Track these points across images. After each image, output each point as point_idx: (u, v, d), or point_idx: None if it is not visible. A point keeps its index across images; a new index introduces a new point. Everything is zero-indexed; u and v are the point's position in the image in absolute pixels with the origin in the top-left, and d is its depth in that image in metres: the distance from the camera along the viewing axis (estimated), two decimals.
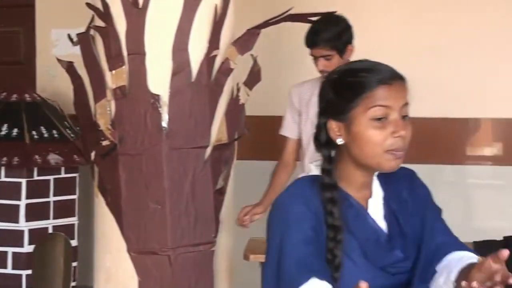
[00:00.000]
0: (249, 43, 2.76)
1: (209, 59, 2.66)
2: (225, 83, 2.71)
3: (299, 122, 3.45)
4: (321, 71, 3.29)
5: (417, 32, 4.48)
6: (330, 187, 1.54)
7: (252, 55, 2.77)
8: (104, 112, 2.58)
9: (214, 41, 2.67)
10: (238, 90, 2.75)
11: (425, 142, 4.42)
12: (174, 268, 2.56)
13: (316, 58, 3.30)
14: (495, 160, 4.54)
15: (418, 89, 4.57)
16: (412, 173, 1.72)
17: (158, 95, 2.57)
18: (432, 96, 4.28)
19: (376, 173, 1.63)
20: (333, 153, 1.60)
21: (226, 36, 2.73)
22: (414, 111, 4.46)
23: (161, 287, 2.56)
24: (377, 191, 1.63)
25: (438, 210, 1.73)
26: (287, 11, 2.78)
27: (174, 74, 2.60)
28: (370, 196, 1.61)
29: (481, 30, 4.45)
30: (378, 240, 1.56)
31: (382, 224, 1.60)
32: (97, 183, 2.64)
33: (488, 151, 4.55)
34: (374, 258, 1.54)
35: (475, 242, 3.58)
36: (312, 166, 1.64)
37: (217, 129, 2.71)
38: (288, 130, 3.54)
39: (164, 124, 2.59)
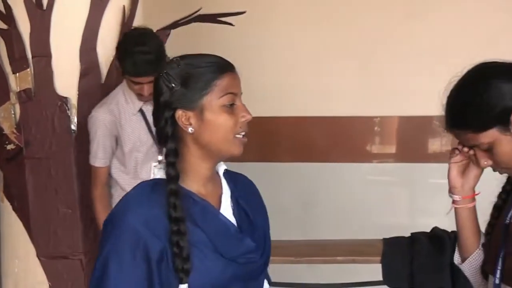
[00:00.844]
0: None
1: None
2: None
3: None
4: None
5: (328, 31, 4.56)
6: (175, 180, 1.56)
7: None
8: (8, 116, 2.53)
9: None
10: None
11: (333, 140, 4.52)
12: (87, 272, 2.53)
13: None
14: (400, 158, 4.65)
15: (332, 88, 4.62)
16: (253, 184, 1.82)
17: (66, 98, 2.54)
18: (339, 95, 4.38)
19: (223, 171, 1.71)
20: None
21: None
22: (328, 111, 4.54)
23: None
24: (226, 188, 1.69)
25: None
26: (196, 11, 2.80)
27: (83, 75, 2.57)
28: (220, 192, 1.67)
29: (390, 29, 4.57)
30: (228, 232, 1.62)
31: (232, 219, 1.65)
32: (3, 188, 2.59)
33: (391, 148, 4.65)
34: (225, 249, 1.58)
35: (384, 239, 3.65)
36: (155, 169, 1.66)
37: None
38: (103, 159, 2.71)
39: (73, 127, 2.56)
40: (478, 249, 1.79)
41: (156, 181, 1.61)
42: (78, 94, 2.56)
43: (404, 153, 4.50)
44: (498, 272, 1.68)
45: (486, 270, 1.77)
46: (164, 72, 1.60)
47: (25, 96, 2.51)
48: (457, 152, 1.75)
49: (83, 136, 2.58)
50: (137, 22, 2.70)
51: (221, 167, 1.71)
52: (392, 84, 4.25)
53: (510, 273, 1.66)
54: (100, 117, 2.59)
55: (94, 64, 2.58)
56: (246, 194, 1.73)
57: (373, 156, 4.67)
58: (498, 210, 1.75)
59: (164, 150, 1.60)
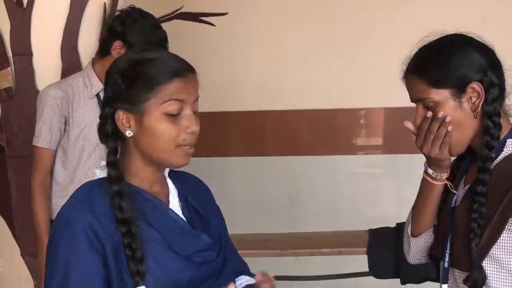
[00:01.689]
0: None
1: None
2: None
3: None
4: None
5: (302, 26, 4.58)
6: (117, 180, 1.45)
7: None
8: None
9: None
10: None
11: (319, 133, 4.54)
12: None
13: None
14: (386, 149, 4.67)
15: (312, 81, 4.61)
16: (202, 182, 1.71)
17: None
18: (325, 88, 4.39)
19: (167, 172, 1.59)
20: (119, 145, 1.51)
21: None
22: (314, 104, 4.54)
23: None
24: (172, 187, 1.58)
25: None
26: (178, 10, 2.81)
27: (64, 73, 2.58)
28: (167, 191, 1.56)
29: (375, 21, 4.58)
30: (183, 229, 1.51)
31: (183, 217, 1.54)
32: None
33: (377, 140, 4.68)
34: (180, 247, 1.47)
35: (370, 230, 3.67)
36: (96, 170, 1.53)
37: None
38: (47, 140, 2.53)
39: None
40: (431, 229, 1.79)
41: (101, 180, 1.50)
42: None
43: (391, 145, 4.52)
44: (447, 256, 1.69)
45: (435, 254, 1.77)
46: (111, 67, 1.48)
47: (6, 95, 2.52)
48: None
49: None
50: None
51: (166, 169, 1.59)
52: (377, 75, 4.26)
53: (458, 256, 1.67)
54: (51, 93, 2.39)
55: (75, 62, 2.58)
56: (195, 193, 1.62)
57: (359, 148, 4.70)
58: (445, 193, 1.75)
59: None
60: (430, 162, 1.69)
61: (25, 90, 2.53)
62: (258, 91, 4.40)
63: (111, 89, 1.48)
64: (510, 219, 1.58)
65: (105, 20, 2.64)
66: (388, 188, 4.69)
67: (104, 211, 1.45)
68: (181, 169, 1.58)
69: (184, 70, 1.48)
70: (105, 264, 1.42)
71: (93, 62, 2.43)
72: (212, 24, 3.02)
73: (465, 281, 1.62)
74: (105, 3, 2.65)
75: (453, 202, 1.72)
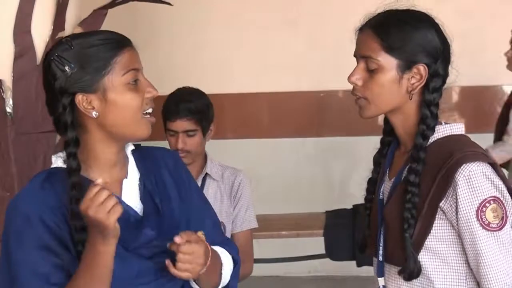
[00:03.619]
0: (96, 24, 2.73)
1: (54, 41, 2.60)
2: None
3: None
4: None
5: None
6: (77, 171, 1.45)
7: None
8: None
9: (58, 22, 2.62)
10: None
11: (276, 115, 4.55)
12: None
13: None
14: (344, 132, 4.70)
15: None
16: (176, 156, 1.71)
17: (0, 80, 2.50)
18: (283, 70, 4.41)
19: (130, 150, 1.59)
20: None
21: (72, 17, 2.69)
22: (271, 86, 4.55)
23: None
24: (133, 171, 1.57)
25: (205, 201, 1.71)
26: None
27: (17, 57, 2.54)
28: (124, 176, 1.55)
29: (335, 2, 4.59)
30: (128, 221, 1.49)
31: (137, 205, 1.54)
32: None
33: (337, 122, 4.69)
34: (125, 240, 1.45)
35: (326, 212, 3.71)
36: (53, 158, 1.55)
37: None
38: None
39: (9, 109, 2.53)
40: None
41: (52, 171, 1.50)
42: (13, 76, 2.52)
43: (349, 127, 4.56)
44: (381, 249, 1.68)
45: (369, 250, 1.76)
46: (55, 55, 1.46)
47: None
48: None
49: (21, 119, 2.55)
50: (72, 2, 2.67)
51: (129, 147, 1.59)
52: (336, 58, 4.28)
53: (392, 252, 1.66)
54: None
55: (28, 46, 2.54)
56: (158, 171, 1.59)
57: (318, 131, 4.73)
58: (373, 184, 1.76)
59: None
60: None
61: None
62: (215, 73, 4.39)
63: (62, 79, 1.46)
64: (439, 208, 1.59)
65: (59, 2, 2.61)
66: (345, 169, 4.74)
67: (49, 201, 1.45)
68: None
69: (126, 40, 1.51)
70: (53, 251, 1.43)
71: None
72: (169, 4, 2.99)
73: (400, 273, 1.62)
74: None
75: (380, 194, 1.72)
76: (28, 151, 2.57)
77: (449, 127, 1.67)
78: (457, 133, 1.67)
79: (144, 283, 1.48)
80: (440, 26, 1.67)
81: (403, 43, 1.61)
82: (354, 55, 1.69)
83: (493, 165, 1.62)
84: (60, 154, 1.53)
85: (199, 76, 4.49)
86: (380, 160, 1.78)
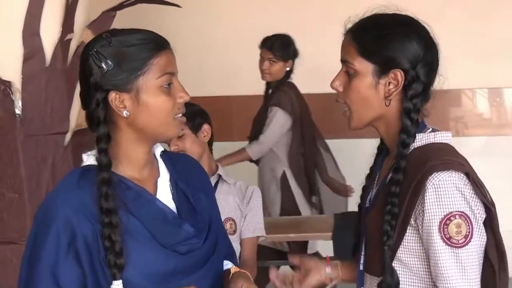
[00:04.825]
0: (104, 26, 2.73)
1: (63, 43, 2.62)
2: None
3: None
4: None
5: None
6: (108, 167, 1.46)
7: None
8: None
9: (67, 24, 2.63)
10: None
11: None
12: None
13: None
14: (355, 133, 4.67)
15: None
16: (196, 162, 1.74)
17: (9, 82, 2.51)
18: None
19: (160, 152, 1.60)
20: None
21: (81, 19, 2.70)
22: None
23: None
24: (164, 172, 1.59)
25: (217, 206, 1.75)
26: None
27: (26, 59, 2.54)
28: (157, 176, 1.57)
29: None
30: (166, 218, 1.51)
31: (171, 204, 1.55)
32: None
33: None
34: (163, 237, 1.48)
35: (335, 214, 3.70)
36: (84, 156, 1.55)
37: (77, 114, 2.68)
38: None
39: (18, 111, 2.54)
40: None
41: (86, 168, 1.51)
42: (22, 78, 2.53)
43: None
44: (362, 258, 1.65)
45: (354, 258, 1.73)
46: (93, 50, 1.46)
47: None
48: None
49: (30, 120, 2.55)
50: (81, 5, 2.68)
51: (158, 149, 1.60)
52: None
53: (371, 262, 1.62)
54: None
55: (37, 48, 2.55)
56: (186, 175, 1.61)
57: (326, 132, 4.72)
58: (365, 190, 1.74)
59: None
60: None
61: None
62: (223, 75, 4.39)
63: (97, 74, 1.46)
64: (411, 219, 1.53)
65: (68, 4, 2.61)
66: (353, 172, 4.72)
67: (84, 200, 1.45)
68: None
69: (166, 42, 1.52)
70: (79, 261, 1.43)
71: None
72: (178, 6, 3.00)
73: (379, 286, 1.58)
74: None
75: (367, 202, 1.68)
76: (37, 153, 2.58)
77: (433, 135, 1.62)
78: (440, 141, 1.62)
79: (178, 279, 1.48)
80: (425, 31, 1.62)
81: (379, 47, 1.59)
82: (340, 60, 1.67)
83: (470, 175, 1.55)
84: (90, 152, 1.54)
85: (206, 78, 4.50)
86: (372, 168, 1.76)
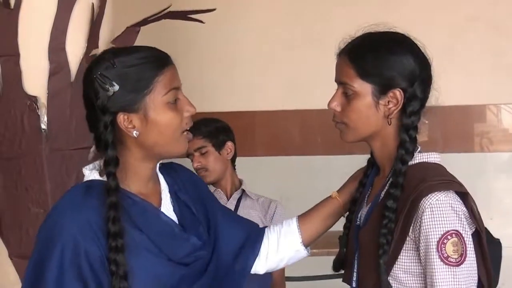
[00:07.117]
0: (129, 41, 2.75)
1: (88, 58, 2.63)
2: None
3: None
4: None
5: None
6: (116, 191, 1.44)
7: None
8: None
9: (92, 39, 2.65)
10: None
11: (309, 133, 4.53)
12: None
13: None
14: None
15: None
16: (183, 167, 1.72)
17: (35, 97, 2.53)
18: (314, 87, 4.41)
19: (157, 166, 1.59)
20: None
21: (105, 34, 2.72)
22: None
23: None
24: (164, 183, 1.59)
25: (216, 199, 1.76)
26: (166, 9, 2.80)
27: (52, 74, 2.57)
28: (159, 189, 1.57)
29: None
30: (173, 232, 1.51)
31: (173, 216, 1.55)
32: None
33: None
34: (170, 251, 1.48)
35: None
36: (86, 171, 1.53)
37: None
38: None
39: (44, 126, 2.56)
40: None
41: (88, 183, 1.49)
42: (48, 93, 2.55)
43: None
44: (355, 275, 1.65)
45: (344, 277, 1.73)
46: (98, 74, 1.45)
47: None
48: None
49: (56, 135, 2.57)
50: (106, 20, 2.70)
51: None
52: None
53: (363, 277, 1.62)
54: None
55: (63, 63, 2.57)
56: (184, 183, 1.61)
57: (349, 148, 4.71)
58: (355, 204, 1.76)
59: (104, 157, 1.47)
60: None
61: (12, 91, 2.51)
62: (246, 90, 4.40)
63: (104, 97, 1.45)
64: (407, 236, 1.54)
65: (93, 20, 2.64)
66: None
67: (92, 219, 1.44)
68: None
69: (167, 58, 1.51)
70: (84, 281, 1.42)
71: None
72: (201, 22, 3.01)
73: None
74: (93, 3, 2.64)
75: (357, 220, 1.69)
76: (62, 167, 2.59)
77: (426, 155, 1.65)
78: (433, 161, 1.65)
79: None
80: (418, 47, 1.64)
81: (378, 68, 1.60)
82: (335, 81, 1.68)
83: (463, 195, 1.58)
84: (92, 166, 1.53)
85: (230, 94, 4.51)
86: (364, 180, 1.77)
